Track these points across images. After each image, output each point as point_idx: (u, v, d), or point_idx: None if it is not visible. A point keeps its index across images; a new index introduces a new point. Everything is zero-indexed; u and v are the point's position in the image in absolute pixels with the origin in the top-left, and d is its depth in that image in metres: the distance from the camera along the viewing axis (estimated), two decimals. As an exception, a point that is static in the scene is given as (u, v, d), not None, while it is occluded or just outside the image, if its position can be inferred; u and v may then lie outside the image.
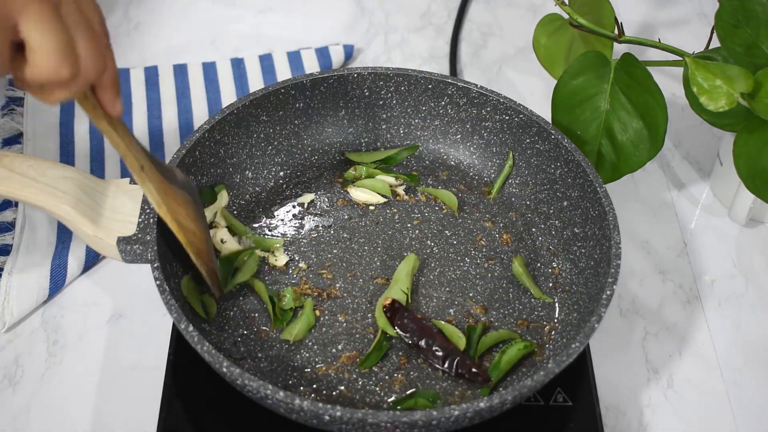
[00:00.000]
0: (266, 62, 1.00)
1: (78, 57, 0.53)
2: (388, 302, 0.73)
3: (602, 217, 0.73)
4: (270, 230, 0.80)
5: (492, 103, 0.82)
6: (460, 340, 0.71)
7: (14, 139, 0.90)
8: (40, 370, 0.74)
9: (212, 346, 0.62)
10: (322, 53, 1.01)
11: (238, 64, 1.00)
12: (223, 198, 0.79)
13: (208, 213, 0.78)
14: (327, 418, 0.60)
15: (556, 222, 0.80)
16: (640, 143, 0.81)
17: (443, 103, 0.84)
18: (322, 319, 0.74)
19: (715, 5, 0.82)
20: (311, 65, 1.00)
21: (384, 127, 0.86)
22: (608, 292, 0.67)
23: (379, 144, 0.86)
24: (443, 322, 0.73)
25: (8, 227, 0.82)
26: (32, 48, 0.51)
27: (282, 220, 0.81)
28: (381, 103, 0.85)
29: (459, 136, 0.85)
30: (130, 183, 0.73)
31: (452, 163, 0.86)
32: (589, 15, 0.86)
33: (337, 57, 1.01)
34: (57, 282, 0.78)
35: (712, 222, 0.89)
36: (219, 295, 0.73)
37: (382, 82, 0.83)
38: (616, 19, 0.85)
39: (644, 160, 0.81)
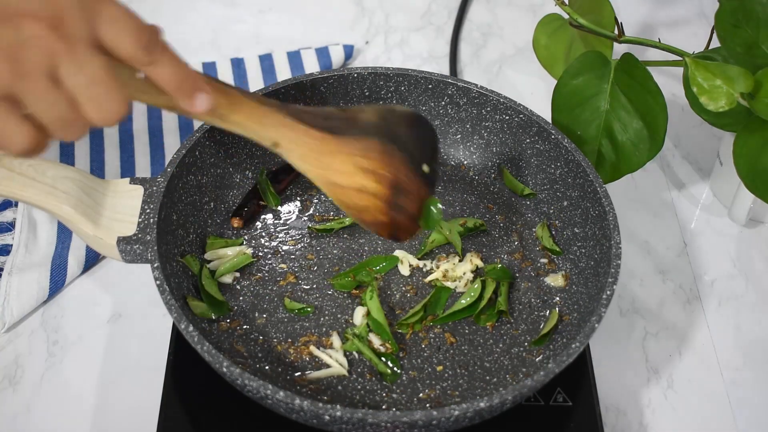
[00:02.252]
0: (266, 62, 1.00)
1: (78, 106, 0.51)
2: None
3: (602, 217, 0.73)
4: (270, 230, 0.80)
5: (492, 103, 0.82)
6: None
7: (14, 139, 0.90)
8: (40, 370, 0.74)
9: (212, 346, 0.62)
10: (322, 53, 1.01)
11: (238, 64, 1.00)
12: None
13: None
14: (327, 418, 0.60)
15: (556, 222, 0.80)
16: (640, 143, 0.81)
17: (443, 103, 0.84)
18: (321, 319, 0.74)
19: (715, 5, 0.82)
20: (311, 65, 1.00)
21: (384, 127, 0.86)
22: (608, 292, 0.67)
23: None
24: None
25: (8, 227, 0.82)
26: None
27: (283, 219, 0.81)
28: (381, 103, 0.85)
29: (459, 136, 0.85)
30: (131, 183, 0.73)
31: (452, 163, 0.86)
32: (589, 15, 0.86)
33: (337, 57, 1.01)
34: (57, 282, 0.78)
35: (712, 222, 0.89)
36: (399, 239, 0.69)
37: (382, 82, 0.83)
38: (616, 19, 0.85)
39: (644, 160, 0.81)
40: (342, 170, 0.64)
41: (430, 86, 0.83)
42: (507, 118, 0.82)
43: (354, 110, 0.66)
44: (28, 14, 0.49)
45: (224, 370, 0.61)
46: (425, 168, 0.68)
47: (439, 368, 0.71)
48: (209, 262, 0.77)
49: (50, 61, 0.49)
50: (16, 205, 0.83)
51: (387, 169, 0.65)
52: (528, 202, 0.83)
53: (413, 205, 0.68)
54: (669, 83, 0.97)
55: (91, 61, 0.50)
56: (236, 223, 0.79)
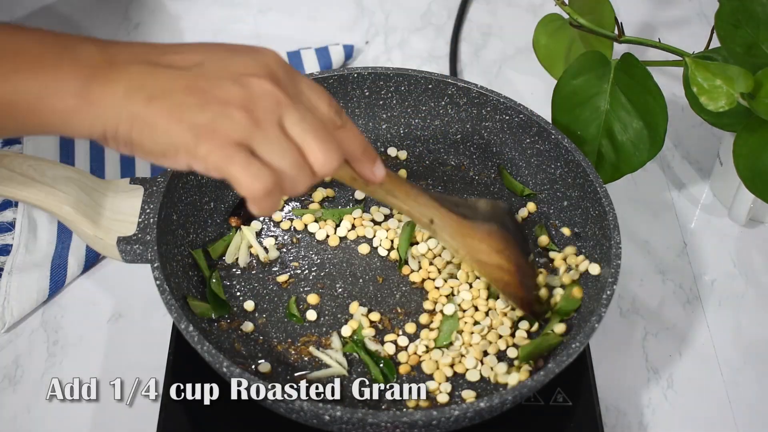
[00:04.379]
0: (266, 62, 1.00)
1: (308, 161, 0.55)
2: None
3: (602, 217, 0.73)
4: (271, 228, 0.80)
5: (492, 103, 0.82)
6: None
7: (14, 139, 0.90)
8: (40, 370, 0.74)
9: (212, 346, 0.62)
10: (322, 53, 1.01)
11: (238, 64, 1.00)
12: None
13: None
14: (327, 418, 0.60)
15: (556, 222, 0.80)
16: (640, 143, 0.81)
17: (443, 103, 0.84)
18: (321, 319, 0.74)
19: (715, 5, 0.82)
20: (311, 65, 1.00)
21: (384, 127, 0.86)
22: (608, 292, 0.67)
23: (379, 144, 0.86)
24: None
25: (8, 227, 0.82)
26: (232, 183, 0.54)
27: (284, 219, 0.81)
28: (381, 103, 0.85)
29: (459, 136, 0.85)
30: (131, 183, 0.73)
31: (453, 163, 0.86)
32: (589, 15, 0.86)
33: (337, 57, 1.01)
34: (57, 282, 0.78)
35: (712, 222, 0.89)
36: (538, 318, 0.73)
37: (382, 82, 0.83)
38: (616, 19, 0.85)
39: (644, 160, 0.81)
40: (482, 249, 0.70)
41: (430, 86, 0.83)
42: (507, 118, 0.82)
43: (471, 200, 0.73)
44: (252, 74, 0.55)
45: (224, 370, 0.61)
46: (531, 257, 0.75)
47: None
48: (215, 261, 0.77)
49: (279, 110, 0.54)
50: (16, 205, 0.83)
51: (510, 251, 0.71)
52: (528, 202, 0.82)
53: (534, 287, 0.73)
54: (669, 83, 0.97)
55: (307, 113, 0.55)
56: (234, 222, 0.79)
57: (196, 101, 0.53)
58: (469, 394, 0.69)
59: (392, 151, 0.86)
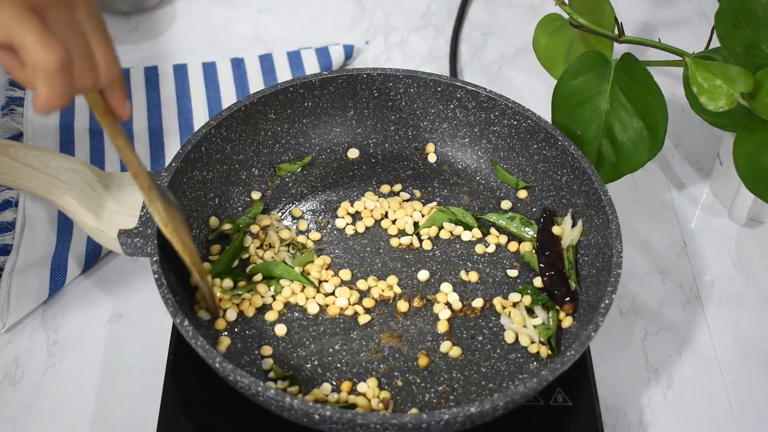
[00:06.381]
0: (266, 62, 1.00)
1: (93, 60, 0.53)
2: None
3: (605, 226, 0.73)
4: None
5: (500, 107, 0.81)
6: None
7: (14, 139, 0.90)
8: (40, 370, 0.74)
9: (206, 341, 0.62)
10: (322, 53, 1.01)
11: (238, 64, 1.00)
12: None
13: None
14: (317, 417, 0.60)
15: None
16: (640, 143, 0.81)
17: (452, 106, 0.84)
18: (320, 318, 0.74)
19: (715, 5, 0.82)
20: (311, 65, 1.00)
21: (393, 128, 0.86)
22: (606, 301, 0.67)
23: (387, 145, 0.86)
24: None
25: (8, 227, 0.82)
26: (21, 50, 0.50)
27: (285, 219, 0.81)
28: (390, 104, 0.85)
29: (467, 139, 0.85)
30: None
31: (459, 166, 0.86)
32: (589, 15, 0.86)
33: (337, 57, 1.01)
34: (57, 282, 0.78)
35: (712, 222, 0.89)
36: (215, 314, 0.73)
37: (391, 84, 0.83)
38: (616, 19, 0.85)
39: (644, 160, 0.81)
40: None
41: (439, 89, 0.83)
42: (515, 123, 0.81)
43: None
44: None
45: (217, 365, 0.61)
46: None
47: (435, 371, 0.71)
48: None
49: None
50: (16, 205, 0.83)
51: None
52: (534, 209, 0.82)
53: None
54: (669, 83, 0.97)
55: (99, 13, 0.54)
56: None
57: None
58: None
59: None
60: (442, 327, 0.74)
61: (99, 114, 0.61)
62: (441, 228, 0.81)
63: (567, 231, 0.77)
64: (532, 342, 0.72)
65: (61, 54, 0.49)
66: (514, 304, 0.75)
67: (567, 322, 0.73)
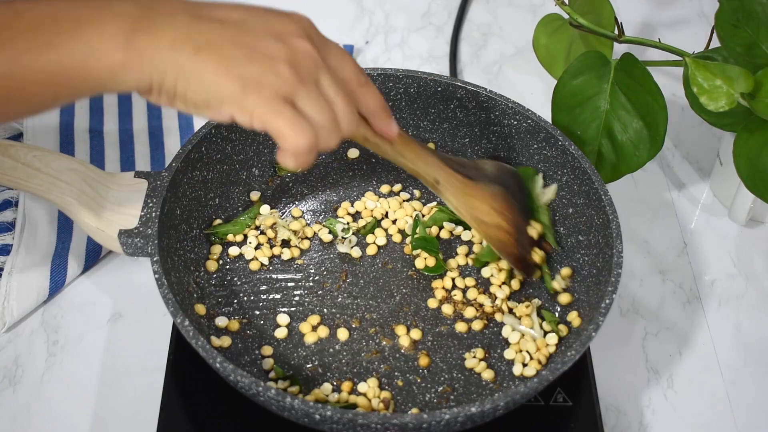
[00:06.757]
0: (266, 62, 1.00)
1: (337, 122, 0.57)
2: None
3: (606, 226, 0.72)
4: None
5: (500, 107, 0.81)
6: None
7: (14, 139, 0.90)
8: (40, 370, 0.74)
9: (207, 341, 0.62)
10: (322, 53, 1.00)
11: (238, 64, 1.00)
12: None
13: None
14: (317, 417, 0.60)
15: (561, 229, 0.80)
16: (640, 143, 0.81)
17: (452, 106, 0.84)
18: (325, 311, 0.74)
19: (715, 5, 0.82)
20: (311, 65, 0.99)
21: (393, 128, 0.86)
22: (607, 301, 0.67)
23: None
24: None
25: (8, 227, 0.82)
26: (275, 136, 0.55)
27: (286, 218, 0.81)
28: (390, 104, 0.84)
29: (467, 139, 0.85)
30: (135, 176, 0.73)
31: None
32: (589, 15, 0.86)
33: (337, 57, 1.01)
34: (57, 282, 0.78)
35: (712, 222, 0.89)
36: (528, 274, 0.76)
37: (391, 84, 0.83)
38: (616, 19, 0.85)
39: (644, 160, 0.81)
40: (483, 209, 0.73)
41: (439, 89, 0.83)
42: (515, 123, 0.81)
43: (479, 161, 0.77)
44: (292, 33, 0.57)
45: (218, 365, 0.61)
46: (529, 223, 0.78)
47: (436, 371, 0.71)
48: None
49: (316, 70, 0.56)
50: (16, 205, 0.83)
51: (510, 212, 0.75)
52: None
53: (530, 248, 0.76)
54: (669, 83, 0.97)
55: (337, 75, 0.58)
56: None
57: (243, 54, 0.54)
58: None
59: None
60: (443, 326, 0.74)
61: (372, 147, 0.65)
62: (441, 228, 0.81)
63: (537, 191, 0.79)
64: (535, 340, 0.72)
65: (309, 137, 0.55)
66: (519, 303, 0.75)
67: (576, 322, 0.73)
